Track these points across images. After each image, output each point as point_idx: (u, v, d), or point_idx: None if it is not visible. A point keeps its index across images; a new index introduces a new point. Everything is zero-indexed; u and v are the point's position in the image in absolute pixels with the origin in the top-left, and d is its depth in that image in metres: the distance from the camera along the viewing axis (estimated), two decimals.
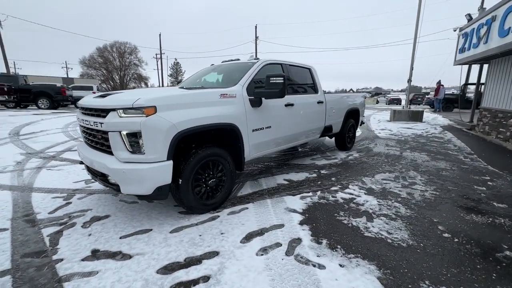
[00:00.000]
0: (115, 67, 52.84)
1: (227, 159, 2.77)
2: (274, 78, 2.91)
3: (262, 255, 2.00)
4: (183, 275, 1.76)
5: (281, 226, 2.44)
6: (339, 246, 2.13)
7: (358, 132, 8.39)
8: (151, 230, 2.36)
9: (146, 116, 2.12)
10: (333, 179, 3.80)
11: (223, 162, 2.74)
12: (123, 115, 2.15)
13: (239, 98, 2.88)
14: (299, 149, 5.88)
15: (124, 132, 2.15)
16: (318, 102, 4.30)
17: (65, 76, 50.93)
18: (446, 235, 2.32)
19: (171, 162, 2.25)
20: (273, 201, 2.98)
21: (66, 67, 52.95)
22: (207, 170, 2.63)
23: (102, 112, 2.26)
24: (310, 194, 3.22)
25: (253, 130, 3.05)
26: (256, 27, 27.72)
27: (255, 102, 2.98)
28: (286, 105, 3.54)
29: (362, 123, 6.41)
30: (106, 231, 2.32)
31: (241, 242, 2.17)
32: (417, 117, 10.72)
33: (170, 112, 2.24)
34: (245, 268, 1.84)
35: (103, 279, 1.73)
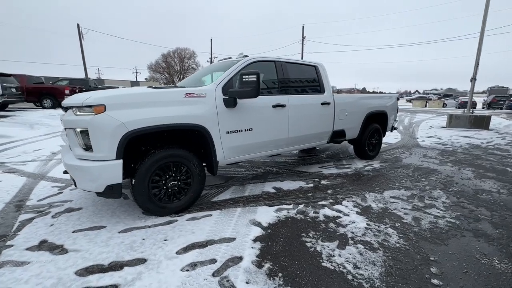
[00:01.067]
0: (175, 71, 58.06)
1: (193, 162, 2.64)
2: (247, 76, 2.65)
3: (187, 271, 1.79)
4: (93, 281, 1.69)
5: (231, 240, 2.19)
6: (280, 275, 1.78)
7: (396, 138, 7.31)
8: (104, 227, 2.38)
9: (95, 115, 2.14)
10: (329, 191, 3.31)
11: (187, 164, 2.61)
12: (78, 113, 2.22)
13: (209, 98, 2.71)
14: (315, 154, 5.37)
15: (77, 130, 2.21)
16: (323, 104, 3.81)
17: (134, 80, 58.36)
18: (435, 281, 1.73)
19: (120, 161, 2.22)
20: (243, 211, 2.73)
21: (136, 72, 60.75)
22: (169, 172, 2.54)
23: (65, 110, 2.38)
24: (291, 207, 2.85)
25: (228, 132, 2.85)
26: (303, 27, 26.95)
27: (229, 102, 2.77)
28: (274, 106, 3.22)
29: (394, 128, 5.53)
30: (66, 224, 2.43)
31: (176, 252, 2.00)
32: (481, 123, 8.80)
33: (121, 111, 2.22)
34: (158, 283, 1.67)
35: (26, 271, 1.78)
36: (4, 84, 10.36)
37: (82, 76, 25.02)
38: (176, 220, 2.51)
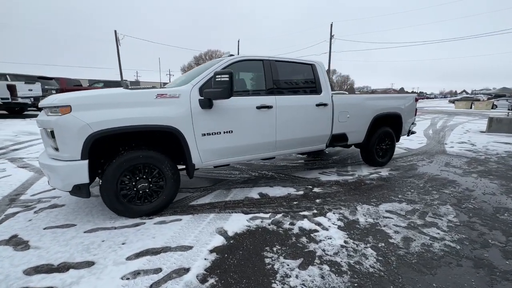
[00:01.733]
0: None
1: (165, 164, 2.58)
2: (220, 76, 2.52)
3: (127, 279, 1.72)
4: (35, 281, 1.69)
5: (188, 248, 2.07)
6: None
7: (420, 143, 6.59)
8: (74, 226, 2.42)
9: (61, 115, 2.17)
10: (317, 200, 3.04)
11: (159, 166, 2.56)
12: (49, 113, 2.28)
13: (183, 99, 2.63)
14: (322, 158, 5.04)
15: (48, 130, 2.27)
16: (319, 105, 3.52)
17: (168, 81, 61.51)
18: None
19: (86, 162, 2.24)
20: (216, 217, 2.60)
21: (169, 74, 64.08)
22: (139, 174, 2.51)
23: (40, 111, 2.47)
24: (267, 216, 2.65)
25: (204, 134, 2.74)
26: (331, 25, 25.90)
27: (205, 103, 2.66)
28: (259, 107, 3.04)
29: (411, 132, 4.96)
30: (43, 220, 2.52)
31: (127, 258, 1.94)
32: None
33: (88, 111, 2.23)
34: None
35: None
36: (46, 87, 11.52)
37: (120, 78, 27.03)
38: (144, 223, 2.47)
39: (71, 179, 2.24)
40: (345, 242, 2.19)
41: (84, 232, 2.31)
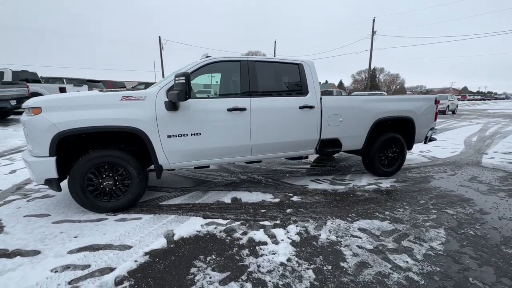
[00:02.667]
0: None
1: (131, 164, 2.67)
2: (179, 78, 2.51)
3: (55, 272, 1.81)
4: None
5: (127, 248, 2.11)
6: None
7: (453, 152, 5.69)
8: (49, 216, 2.66)
9: (32, 116, 2.41)
10: (288, 210, 2.83)
11: (125, 165, 2.67)
12: (28, 114, 2.55)
13: (149, 101, 2.69)
14: (325, 164, 4.70)
15: (24, 128, 2.54)
16: (302, 107, 3.27)
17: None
18: None
19: (53, 158, 2.44)
20: (174, 219, 2.60)
21: (211, 76, 67.16)
22: (105, 172, 2.65)
23: None
24: (225, 222, 2.56)
25: (170, 136, 2.77)
26: (374, 20, 23.93)
27: (169, 105, 2.68)
28: (230, 110, 2.95)
29: (430, 140, 4.31)
30: (29, 208, 2.83)
31: (69, 251, 2.05)
32: None
33: (56, 112, 2.43)
34: (21, 279, 1.74)
35: None
36: (93, 89, 13.04)
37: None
38: (106, 219, 2.60)
39: (42, 174, 2.47)
40: (288, 259, 1.99)
41: (52, 222, 2.52)
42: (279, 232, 2.37)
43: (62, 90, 10.04)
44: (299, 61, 3.43)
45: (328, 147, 3.59)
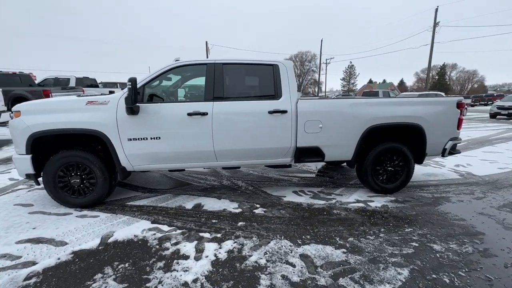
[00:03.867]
0: (296, 74, 59.58)
1: (95, 164, 2.85)
2: (129, 83, 2.56)
3: None
4: None
5: (63, 244, 2.24)
6: None
7: (501, 169, 4.51)
8: (31, 206, 3.02)
9: (14, 118, 2.77)
10: (239, 224, 2.63)
11: (90, 166, 2.86)
12: (12, 116, 2.94)
13: (111, 105, 2.81)
14: (324, 174, 4.26)
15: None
16: (272, 112, 2.99)
17: None
18: None
19: (29, 156, 2.76)
20: (125, 220, 2.67)
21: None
22: (73, 171, 2.88)
23: None
24: (167, 229, 2.51)
25: (130, 139, 2.85)
26: (436, 9, 20.55)
27: (127, 110, 2.75)
28: (191, 114, 2.88)
29: (452, 153, 3.48)
30: (23, 197, 3.25)
31: (17, 242, 2.28)
32: None
33: (31, 116, 2.74)
34: None
35: None
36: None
37: None
38: (71, 214, 2.82)
39: (22, 169, 2.82)
40: (194, 280, 1.83)
41: (28, 212, 2.86)
42: (210, 247, 2.21)
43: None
44: (274, 62, 3.16)
45: (307, 156, 3.22)
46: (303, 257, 2.09)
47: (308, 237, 2.39)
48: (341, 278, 1.84)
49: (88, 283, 1.80)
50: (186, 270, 1.93)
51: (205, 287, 1.76)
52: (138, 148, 2.89)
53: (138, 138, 2.87)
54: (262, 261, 2.03)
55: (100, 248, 2.21)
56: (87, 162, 2.85)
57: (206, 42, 27.77)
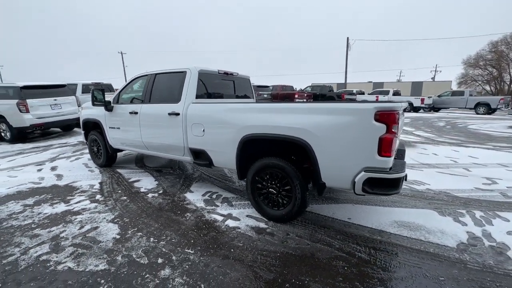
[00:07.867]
0: (509, 60, 37.32)
1: (101, 142, 4.59)
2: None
3: None
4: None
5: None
6: None
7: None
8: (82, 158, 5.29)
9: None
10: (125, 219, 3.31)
11: (100, 142, 4.63)
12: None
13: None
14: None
15: None
16: (170, 114, 3.35)
17: (432, 79, 51.71)
18: None
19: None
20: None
21: (435, 71, 53.23)
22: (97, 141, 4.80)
23: None
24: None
25: (110, 128, 4.32)
26: None
27: (106, 107, 4.20)
28: (130, 113, 3.89)
29: (369, 191, 2.14)
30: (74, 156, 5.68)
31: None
32: None
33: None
34: None
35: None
36: (260, 92, 16.73)
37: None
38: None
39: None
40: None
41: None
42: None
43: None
44: (184, 69, 3.44)
45: (200, 159, 3.29)
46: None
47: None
48: None
49: None
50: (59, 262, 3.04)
51: None
52: (113, 134, 4.31)
53: (111, 127, 4.30)
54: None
55: None
56: (99, 138, 4.67)
57: (348, 38, 26.12)
